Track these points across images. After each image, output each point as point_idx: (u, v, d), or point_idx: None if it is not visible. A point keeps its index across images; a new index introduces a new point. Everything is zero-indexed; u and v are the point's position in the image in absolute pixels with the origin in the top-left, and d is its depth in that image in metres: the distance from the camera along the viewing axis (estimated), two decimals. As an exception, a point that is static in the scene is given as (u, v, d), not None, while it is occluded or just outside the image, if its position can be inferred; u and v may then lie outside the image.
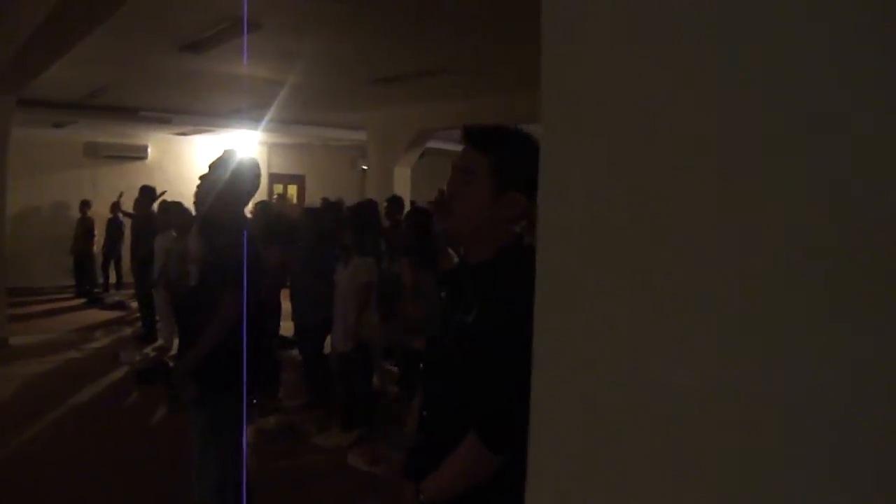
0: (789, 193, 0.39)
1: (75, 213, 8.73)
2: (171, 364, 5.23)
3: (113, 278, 8.95)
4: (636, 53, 0.46)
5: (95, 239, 8.66)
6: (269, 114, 7.03)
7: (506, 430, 1.10)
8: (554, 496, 0.53)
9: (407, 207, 5.85)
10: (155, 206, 6.44)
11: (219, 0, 3.43)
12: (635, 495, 0.47)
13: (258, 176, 2.33)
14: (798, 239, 0.39)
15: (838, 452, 0.38)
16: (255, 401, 2.27)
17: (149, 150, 9.89)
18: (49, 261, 8.89)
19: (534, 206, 1.19)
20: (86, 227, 8.61)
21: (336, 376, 4.12)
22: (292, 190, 11.45)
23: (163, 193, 6.60)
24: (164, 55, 4.60)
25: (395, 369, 4.93)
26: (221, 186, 2.19)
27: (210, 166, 2.25)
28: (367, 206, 5.08)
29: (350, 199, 7.45)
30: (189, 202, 5.43)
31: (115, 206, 8.49)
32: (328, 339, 4.47)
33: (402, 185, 7.56)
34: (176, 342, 5.61)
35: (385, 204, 5.88)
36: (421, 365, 3.40)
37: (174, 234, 5.44)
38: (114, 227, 8.62)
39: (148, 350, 5.87)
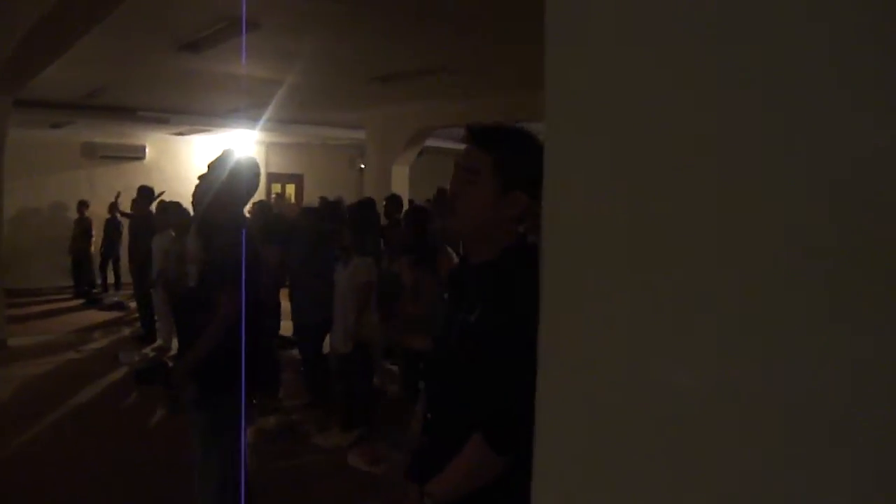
0: (789, 193, 0.39)
1: (73, 214, 8.71)
2: (171, 364, 5.24)
3: (111, 279, 8.93)
4: (637, 54, 0.46)
5: (93, 239, 8.65)
6: (267, 113, 7.02)
7: (510, 432, 1.10)
8: (560, 497, 0.53)
9: (405, 206, 5.85)
10: (153, 206, 6.43)
11: (217, 0, 3.43)
12: (640, 495, 0.47)
13: (257, 175, 2.32)
14: (798, 239, 0.39)
15: (838, 452, 0.38)
16: (255, 401, 2.27)
17: (146, 150, 9.87)
18: (47, 262, 8.87)
19: (536, 205, 1.19)
20: (83, 227, 8.59)
21: (335, 376, 4.12)
22: (290, 189, 11.44)
23: (161, 194, 6.59)
24: (161, 55, 4.59)
25: (395, 369, 4.93)
26: (220, 186, 2.19)
27: (209, 166, 2.24)
28: (365, 206, 5.08)
29: (348, 198, 7.44)
30: (187, 202, 5.43)
31: (113, 207, 8.48)
32: (327, 339, 4.48)
33: (401, 183, 7.55)
34: (175, 342, 5.63)
35: (384, 203, 5.88)
36: (421, 365, 3.40)
37: (172, 234, 5.44)
38: (111, 227, 8.60)
39: (147, 350, 5.86)
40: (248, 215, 3.31)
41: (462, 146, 1.29)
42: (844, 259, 0.37)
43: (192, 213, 5.21)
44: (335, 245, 4.19)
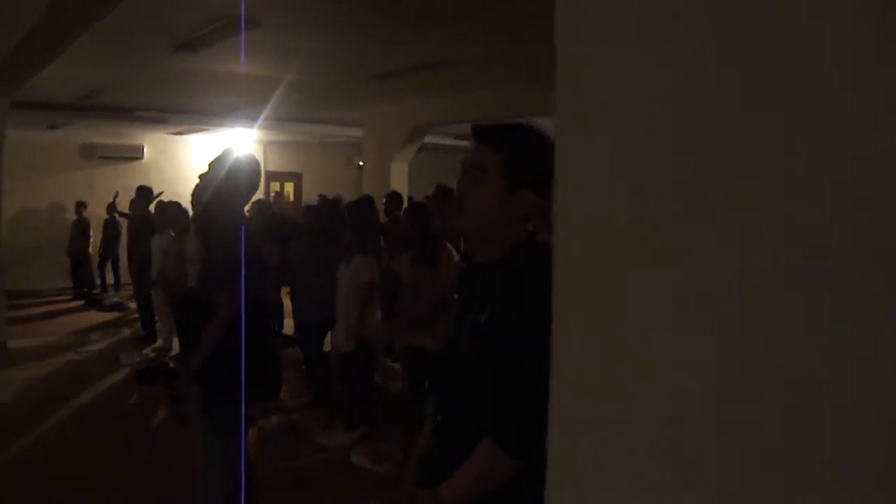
0: (789, 193, 0.39)
1: (72, 215, 8.71)
2: (172, 365, 5.25)
3: (110, 279, 8.93)
4: (640, 53, 0.46)
5: (91, 240, 8.64)
6: (266, 112, 7.01)
7: (522, 434, 1.08)
8: (575, 500, 0.52)
9: (405, 203, 5.85)
10: (152, 206, 6.42)
11: (213, -1, 3.42)
12: (658, 496, 0.47)
13: (258, 173, 2.31)
14: (798, 239, 0.39)
15: (838, 452, 0.38)
16: (260, 403, 2.25)
17: (145, 150, 9.86)
18: (46, 263, 8.87)
19: (545, 203, 1.18)
20: (81, 228, 8.58)
21: (337, 375, 4.12)
22: (289, 188, 11.43)
23: (160, 194, 6.58)
24: (159, 55, 4.58)
25: (397, 366, 4.94)
26: (219, 184, 2.17)
27: (209, 165, 2.23)
28: (365, 203, 5.07)
29: (347, 196, 7.44)
30: (186, 202, 5.43)
31: (111, 207, 8.47)
32: (328, 338, 4.47)
33: (400, 180, 7.55)
34: (175, 343, 5.63)
35: (384, 200, 5.87)
36: (423, 362, 3.40)
37: (172, 234, 5.44)
38: (110, 227, 8.60)
39: (147, 351, 5.86)
40: (247, 214, 3.30)
41: (460, 142, 1.29)
42: (844, 259, 0.37)
43: (191, 212, 5.22)
44: (336, 243, 4.19)
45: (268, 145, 10.80)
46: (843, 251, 0.37)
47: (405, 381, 4.37)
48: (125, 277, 8.05)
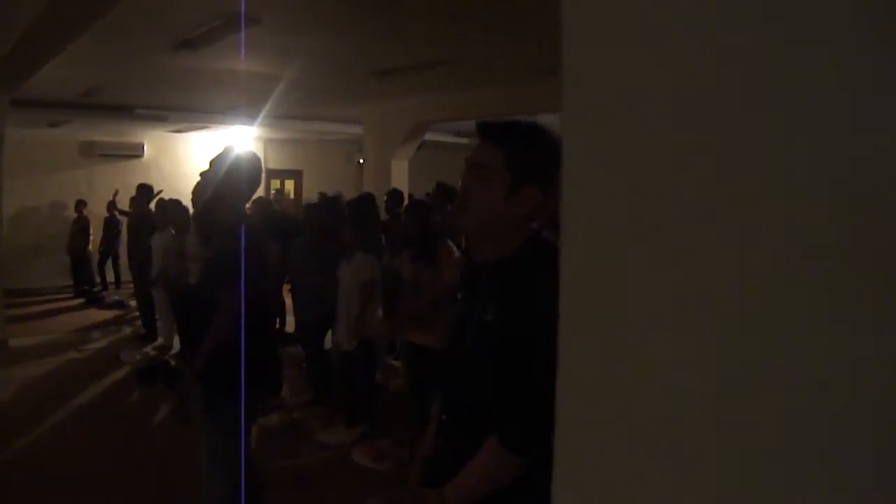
0: (789, 193, 0.39)
1: (72, 213, 8.70)
2: (173, 363, 5.25)
3: (111, 277, 8.94)
4: (641, 54, 0.45)
5: (91, 238, 8.64)
6: (266, 109, 7.01)
7: (527, 433, 1.08)
8: (583, 499, 0.52)
9: (405, 201, 5.84)
10: (152, 204, 6.42)
11: (213, -4, 3.41)
12: (656, 497, 0.47)
13: (258, 170, 2.29)
14: (798, 239, 0.39)
15: (838, 452, 0.38)
16: (264, 402, 2.24)
17: (145, 148, 9.86)
18: (47, 261, 8.87)
19: (549, 201, 1.18)
20: (81, 226, 8.58)
21: (338, 373, 4.12)
22: (289, 185, 11.43)
23: (160, 192, 6.58)
24: (159, 53, 4.57)
25: (398, 364, 4.94)
26: (220, 182, 2.17)
27: (210, 162, 2.22)
28: (365, 201, 5.06)
29: (347, 194, 7.43)
30: (186, 200, 5.42)
31: (111, 205, 8.47)
32: (328, 336, 4.48)
33: (400, 178, 7.54)
34: (176, 340, 5.64)
35: (384, 198, 5.87)
36: (423, 363, 3.40)
37: (172, 232, 5.44)
38: (110, 226, 8.60)
39: (148, 349, 5.86)
40: (248, 212, 3.30)
41: (461, 140, 1.28)
42: (844, 259, 0.37)
43: (191, 210, 5.22)
44: (336, 241, 4.19)
45: (268, 143, 10.80)
46: (843, 251, 0.37)
47: (406, 379, 4.38)
48: (125, 275, 8.06)
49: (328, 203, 5.06)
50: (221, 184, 2.17)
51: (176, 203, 5.53)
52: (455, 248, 3.64)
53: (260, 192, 3.71)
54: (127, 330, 6.73)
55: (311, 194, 9.93)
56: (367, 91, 6.30)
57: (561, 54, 0.49)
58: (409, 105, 7.15)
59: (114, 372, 5.14)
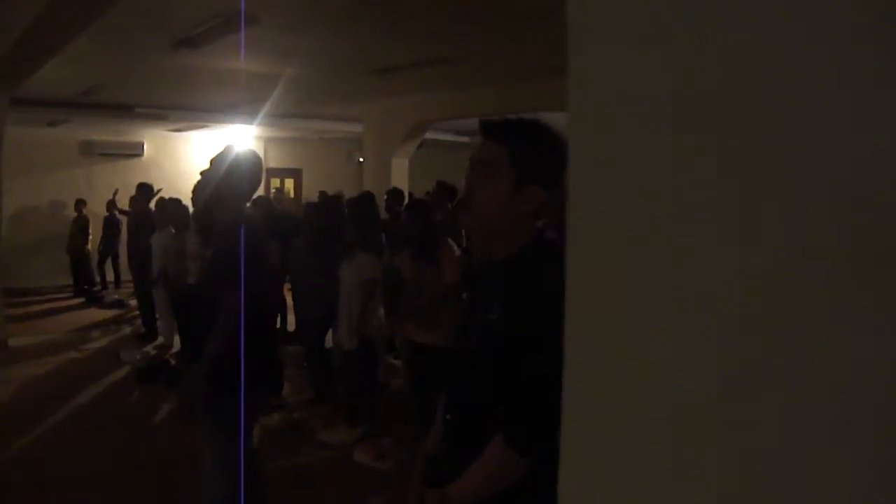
0: (789, 193, 0.39)
1: (72, 212, 8.71)
2: (173, 362, 5.25)
3: (111, 276, 8.94)
4: (641, 54, 0.45)
5: (90, 237, 8.65)
6: (265, 108, 7.01)
7: (533, 432, 1.07)
8: (589, 499, 0.52)
9: (405, 199, 5.84)
10: (152, 203, 6.42)
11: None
12: (656, 497, 0.47)
13: (259, 169, 2.29)
14: (798, 239, 0.39)
15: (838, 452, 0.38)
16: (261, 400, 2.24)
17: (144, 146, 9.86)
18: (46, 260, 8.88)
19: (554, 199, 1.18)
20: (80, 225, 8.59)
21: (339, 372, 4.13)
22: (289, 184, 11.43)
23: (159, 191, 6.59)
24: (159, 52, 4.57)
25: (398, 363, 4.94)
26: (220, 181, 2.16)
27: (211, 161, 2.22)
28: (365, 200, 5.06)
29: (347, 192, 7.43)
30: (186, 199, 5.42)
31: (111, 204, 8.47)
32: (329, 334, 4.48)
33: (400, 176, 7.54)
34: (176, 339, 5.64)
35: (385, 196, 5.87)
36: (424, 362, 3.41)
37: (172, 231, 5.44)
38: (110, 225, 8.60)
39: (148, 348, 5.87)
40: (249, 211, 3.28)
41: (461, 138, 1.28)
42: (844, 259, 0.37)
43: (191, 209, 5.22)
44: (337, 240, 4.19)
45: (268, 142, 10.80)
46: (843, 251, 0.37)
47: (407, 378, 4.38)
48: (125, 274, 8.06)
49: (328, 202, 5.06)
50: (222, 182, 2.16)
51: (176, 202, 5.53)
52: (456, 247, 3.64)
53: (260, 190, 3.73)
54: (127, 329, 6.73)
55: (310, 193, 9.95)
56: (367, 90, 6.30)
57: (567, 54, 0.49)
58: (409, 104, 7.14)
59: (114, 371, 5.14)
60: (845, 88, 0.37)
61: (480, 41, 4.36)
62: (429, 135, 8.24)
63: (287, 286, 5.45)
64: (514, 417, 1.11)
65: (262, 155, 8.55)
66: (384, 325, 4.04)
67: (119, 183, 8.66)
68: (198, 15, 3.75)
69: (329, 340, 4.52)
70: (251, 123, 8.37)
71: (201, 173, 2.23)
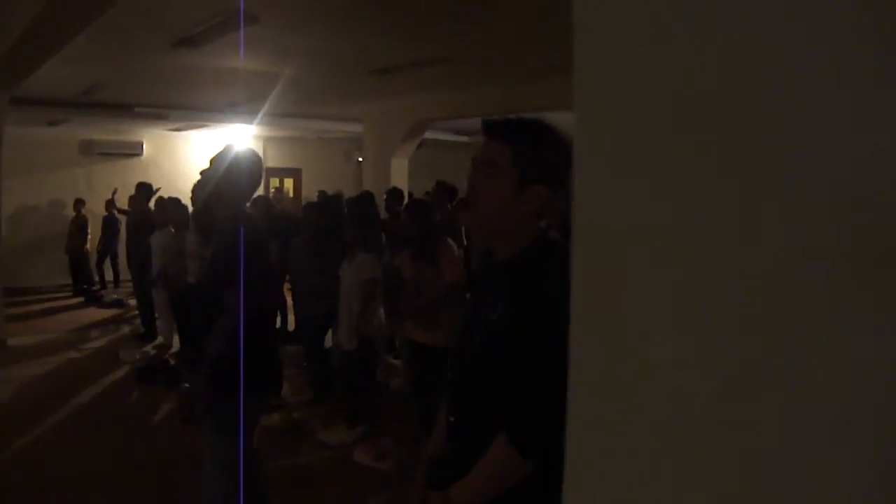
0: (789, 193, 0.39)
1: (71, 212, 8.71)
2: (172, 362, 5.25)
3: (110, 276, 8.94)
4: (641, 54, 0.45)
5: (89, 237, 8.65)
6: (265, 108, 7.00)
7: (536, 431, 1.07)
8: (596, 501, 0.52)
9: (405, 199, 5.84)
10: (151, 202, 6.42)
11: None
12: (656, 497, 0.47)
13: (259, 168, 2.29)
14: (798, 239, 0.39)
15: (838, 452, 0.38)
16: (262, 401, 2.23)
17: (144, 146, 9.86)
18: (46, 260, 8.88)
19: (558, 199, 1.17)
20: (79, 224, 8.59)
21: (339, 372, 4.12)
22: (288, 184, 11.43)
23: (157, 189, 6.58)
24: (158, 51, 4.57)
25: (398, 363, 4.94)
26: (219, 180, 2.16)
27: (211, 161, 2.22)
28: (365, 200, 5.06)
29: (346, 192, 7.43)
30: (185, 198, 5.42)
31: (110, 204, 8.47)
32: (329, 334, 4.47)
33: (400, 176, 7.54)
34: (176, 339, 5.64)
35: (384, 196, 5.87)
36: (424, 362, 3.41)
37: (171, 230, 5.44)
38: (109, 224, 8.60)
39: (148, 348, 5.86)
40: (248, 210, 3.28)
41: (460, 138, 1.27)
42: (844, 259, 0.37)
43: (191, 209, 5.21)
44: (336, 240, 4.19)
45: (267, 141, 10.79)
46: (843, 251, 0.37)
47: (407, 378, 4.38)
48: (124, 274, 8.06)
49: (328, 202, 5.06)
50: (222, 181, 2.16)
51: (175, 201, 5.53)
52: (455, 246, 3.64)
53: (259, 190, 3.73)
54: (126, 329, 6.73)
55: (310, 192, 9.94)
56: (366, 89, 6.29)
57: (573, 54, 0.49)
58: (408, 103, 7.14)
59: (113, 371, 5.14)
60: (845, 88, 0.36)
61: (480, 41, 4.36)
62: (428, 134, 8.24)
63: (287, 286, 5.45)
64: (518, 418, 1.11)
65: (261, 155, 8.54)
66: (384, 325, 4.04)
67: (119, 182, 8.66)
68: (197, 14, 3.75)
69: (328, 340, 4.52)
70: (251, 123, 8.37)
71: (201, 173, 2.23)
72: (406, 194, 6.35)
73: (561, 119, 1.22)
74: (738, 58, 0.40)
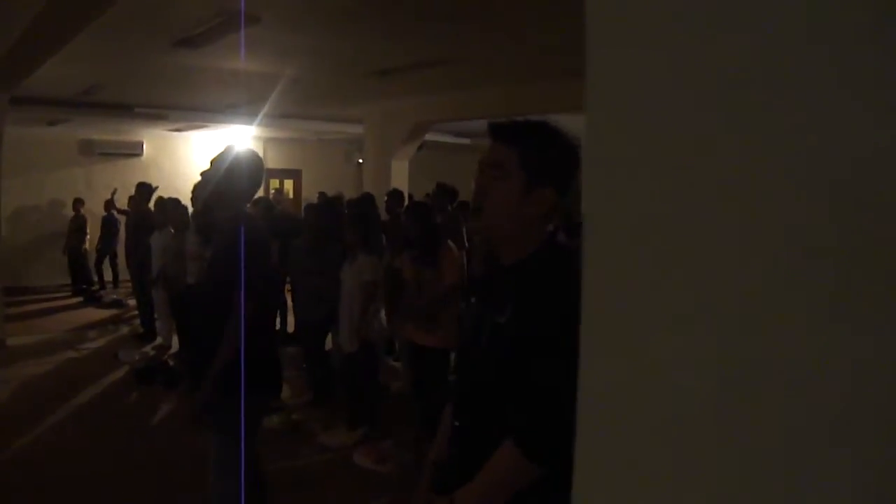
0: (789, 193, 0.39)
1: (71, 212, 8.71)
2: (171, 363, 5.25)
3: (109, 276, 8.93)
4: (641, 53, 0.45)
5: (88, 237, 8.64)
6: (265, 109, 7.01)
7: (544, 435, 1.06)
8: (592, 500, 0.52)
9: (406, 201, 5.84)
10: (151, 203, 6.42)
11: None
12: (656, 497, 0.47)
13: (260, 169, 2.28)
14: (798, 239, 0.39)
15: (838, 452, 0.38)
16: (263, 403, 2.22)
17: (144, 146, 9.86)
18: (45, 259, 8.87)
19: (565, 202, 1.17)
20: (78, 224, 8.58)
21: (339, 375, 4.12)
22: (288, 185, 11.43)
23: (155, 189, 6.58)
24: (159, 51, 4.57)
25: (398, 365, 4.94)
26: (220, 181, 2.16)
27: (212, 162, 2.22)
28: (365, 201, 5.06)
29: (346, 194, 7.43)
30: (185, 198, 5.42)
31: (109, 204, 8.47)
32: (329, 336, 4.47)
33: (401, 178, 7.54)
34: (175, 340, 5.63)
35: (385, 198, 5.87)
36: (425, 364, 3.40)
37: (171, 231, 5.43)
38: (108, 224, 8.60)
39: (147, 349, 5.86)
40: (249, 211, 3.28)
41: (461, 140, 1.27)
42: (844, 259, 0.37)
43: (191, 209, 5.21)
44: (337, 242, 4.19)
45: (267, 142, 10.80)
46: (843, 251, 0.37)
47: (407, 380, 4.38)
48: (123, 274, 8.05)
49: (328, 203, 5.06)
50: (222, 182, 2.15)
51: (175, 202, 5.53)
52: (456, 248, 3.65)
53: (259, 191, 3.72)
54: (125, 329, 6.73)
55: (310, 194, 9.95)
56: (367, 91, 6.30)
57: (586, 58, 0.49)
58: (409, 105, 7.15)
59: (112, 372, 5.14)
60: (845, 88, 0.37)
61: (480, 42, 4.36)
62: (429, 136, 8.25)
63: (287, 287, 5.45)
64: (526, 422, 1.10)
65: (262, 156, 8.51)
66: (384, 327, 4.03)
67: (118, 182, 8.66)
68: (198, 14, 3.75)
69: (328, 342, 4.51)
70: (251, 124, 8.37)
71: (202, 173, 2.23)
72: (406, 196, 6.36)
73: (566, 121, 1.22)
74: (738, 58, 0.40)
